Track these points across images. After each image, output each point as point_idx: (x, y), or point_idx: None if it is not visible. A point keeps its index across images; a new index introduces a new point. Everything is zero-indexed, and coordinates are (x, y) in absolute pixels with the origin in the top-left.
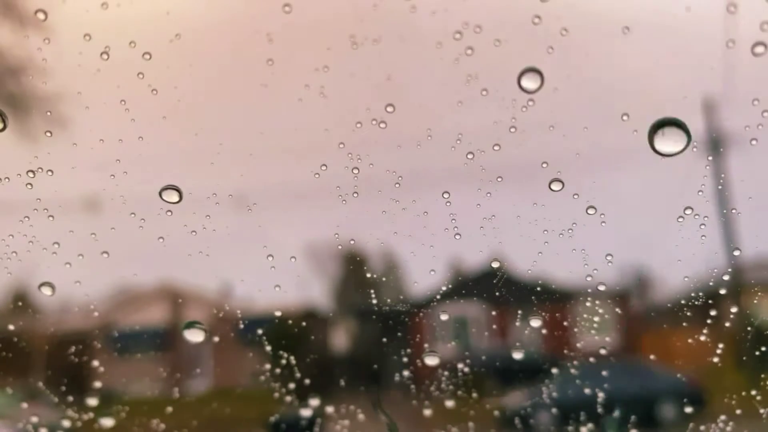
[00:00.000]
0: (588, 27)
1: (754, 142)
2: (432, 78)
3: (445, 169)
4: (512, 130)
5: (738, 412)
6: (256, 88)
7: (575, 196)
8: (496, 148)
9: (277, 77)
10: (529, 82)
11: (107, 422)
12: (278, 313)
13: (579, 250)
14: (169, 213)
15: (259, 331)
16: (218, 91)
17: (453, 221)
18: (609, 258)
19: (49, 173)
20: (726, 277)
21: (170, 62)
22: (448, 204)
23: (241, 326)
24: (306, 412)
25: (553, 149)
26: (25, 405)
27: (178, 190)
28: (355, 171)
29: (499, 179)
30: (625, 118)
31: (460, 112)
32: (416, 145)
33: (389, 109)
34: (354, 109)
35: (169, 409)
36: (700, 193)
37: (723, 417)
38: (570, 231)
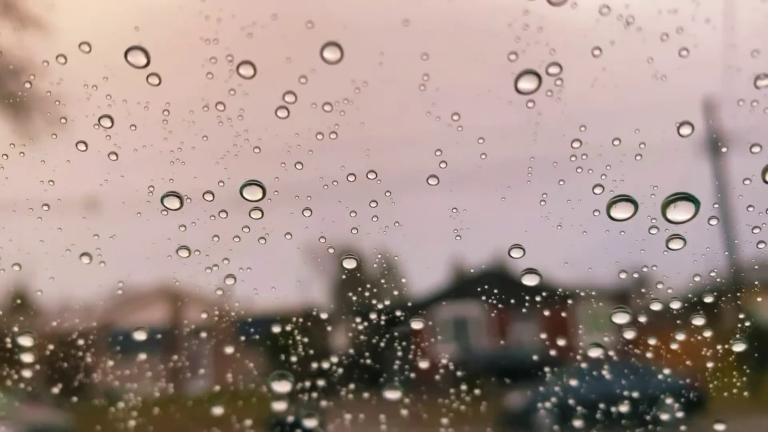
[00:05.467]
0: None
1: (756, 148)
2: (434, 77)
3: (447, 168)
4: (513, 130)
5: (737, 412)
6: (257, 88)
7: (577, 197)
8: (496, 148)
9: (278, 77)
10: (527, 83)
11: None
12: (277, 314)
13: (579, 250)
14: (168, 213)
15: (259, 331)
16: (219, 92)
17: (453, 221)
18: (609, 258)
19: (50, 173)
20: (726, 277)
21: (171, 63)
22: (449, 203)
23: (241, 326)
24: (306, 413)
25: (555, 149)
26: (24, 405)
27: (179, 196)
28: (356, 171)
29: (500, 179)
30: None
31: (461, 113)
32: (417, 145)
33: (390, 108)
34: (355, 109)
35: (169, 409)
36: (700, 193)
37: (722, 417)
38: (571, 231)
